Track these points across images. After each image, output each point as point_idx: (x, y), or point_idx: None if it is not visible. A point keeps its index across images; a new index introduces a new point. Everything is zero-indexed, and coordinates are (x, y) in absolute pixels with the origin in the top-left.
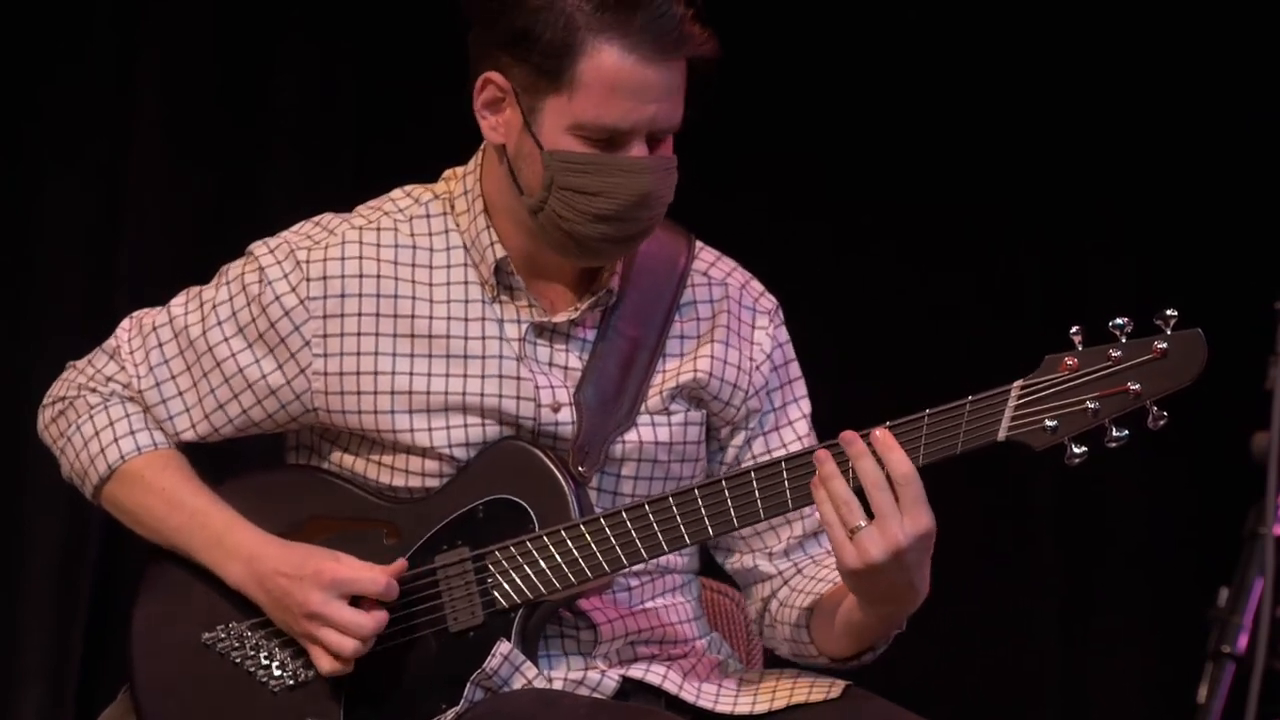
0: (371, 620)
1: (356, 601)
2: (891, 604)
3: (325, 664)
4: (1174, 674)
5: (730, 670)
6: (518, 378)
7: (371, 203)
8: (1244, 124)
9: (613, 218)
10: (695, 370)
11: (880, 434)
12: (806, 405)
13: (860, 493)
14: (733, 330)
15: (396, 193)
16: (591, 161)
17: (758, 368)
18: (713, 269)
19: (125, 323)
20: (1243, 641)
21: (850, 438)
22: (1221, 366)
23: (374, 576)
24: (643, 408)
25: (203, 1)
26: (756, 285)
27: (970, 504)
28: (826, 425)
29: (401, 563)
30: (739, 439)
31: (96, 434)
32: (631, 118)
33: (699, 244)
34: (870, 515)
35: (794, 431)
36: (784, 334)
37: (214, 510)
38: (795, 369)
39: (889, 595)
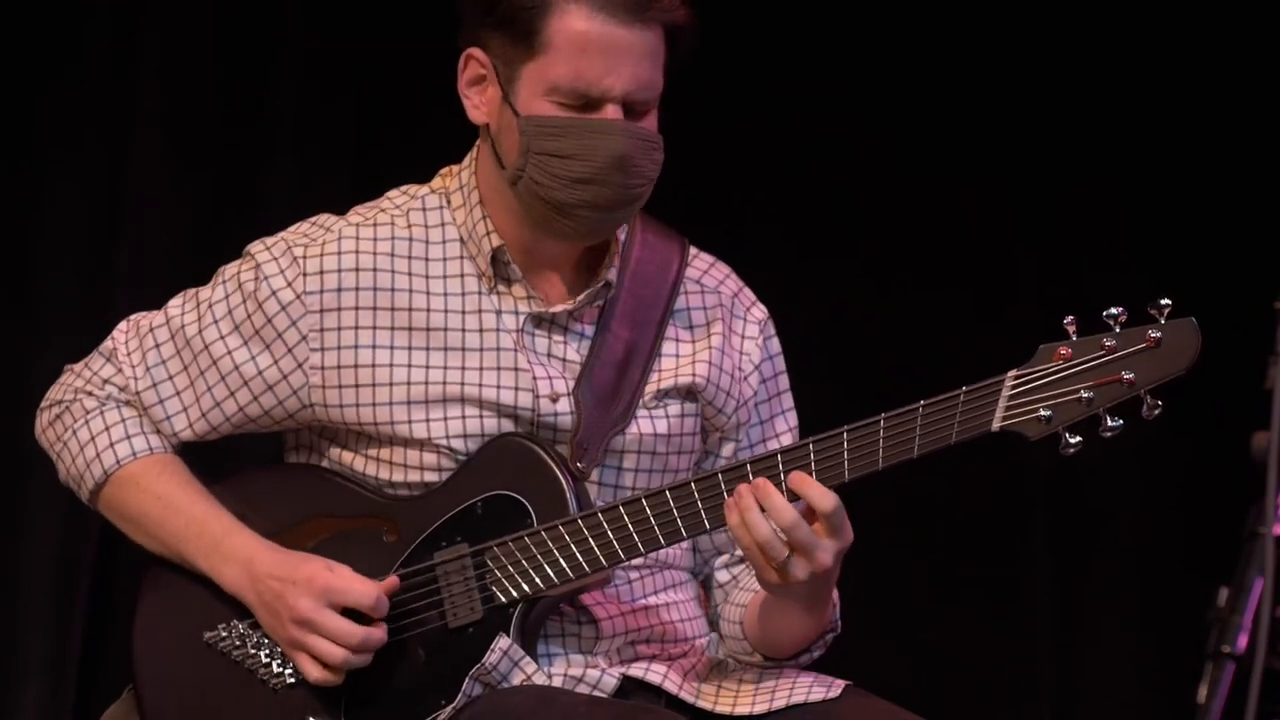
0: (361, 632)
1: (355, 616)
2: (808, 598)
3: (314, 672)
4: (1173, 674)
5: (730, 670)
6: (515, 368)
7: (368, 203)
8: (1244, 124)
9: (589, 180)
10: (694, 375)
11: (795, 475)
12: (793, 418)
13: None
14: (726, 339)
15: (392, 192)
16: (565, 124)
17: (746, 379)
18: (706, 276)
19: (122, 325)
20: (1243, 641)
21: (760, 483)
22: (1221, 366)
23: (365, 590)
24: (639, 404)
25: (203, 2)
26: (748, 295)
27: (966, 505)
28: (825, 419)
29: (393, 579)
30: (727, 449)
31: (93, 438)
32: (604, 79)
33: (693, 250)
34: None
35: (780, 445)
36: (775, 345)
37: (211, 516)
38: (784, 381)
39: (812, 597)
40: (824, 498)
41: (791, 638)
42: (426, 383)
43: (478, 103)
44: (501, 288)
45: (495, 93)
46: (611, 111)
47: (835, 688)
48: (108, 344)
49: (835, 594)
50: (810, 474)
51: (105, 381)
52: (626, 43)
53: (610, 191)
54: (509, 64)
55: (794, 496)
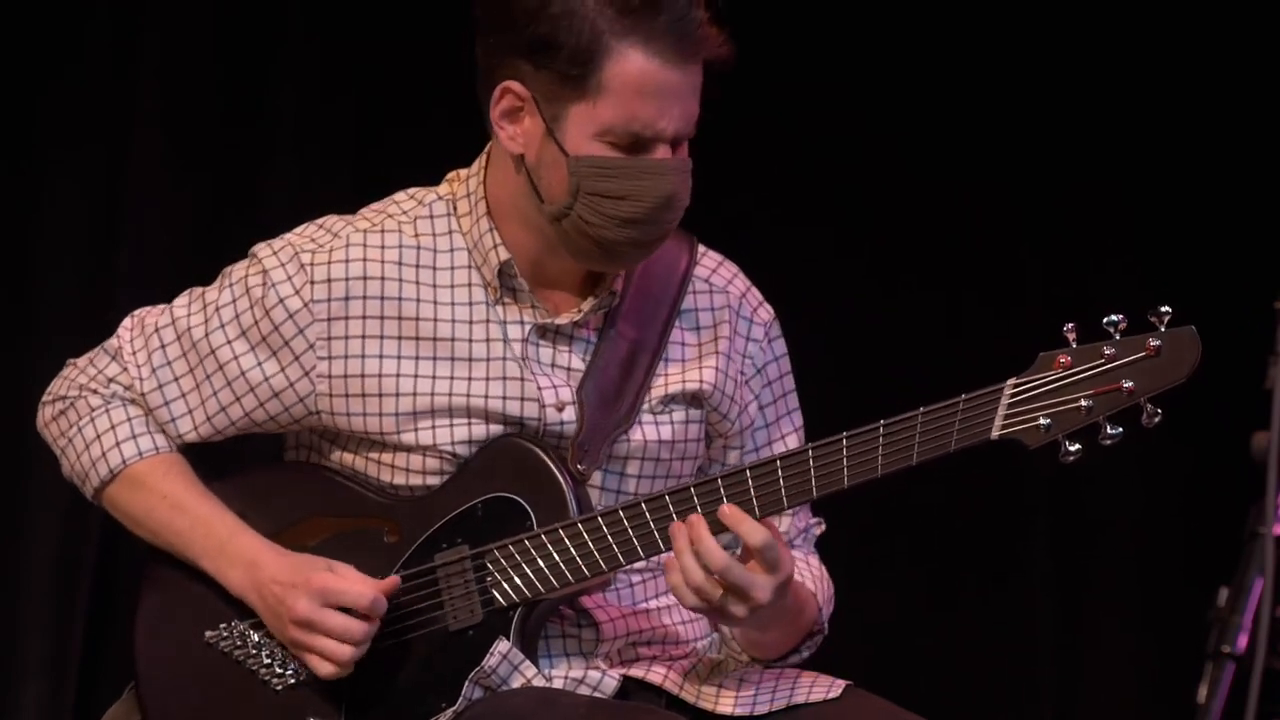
0: (362, 627)
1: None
2: (766, 628)
3: (324, 669)
4: (1173, 674)
5: (731, 670)
6: (521, 379)
7: (375, 205)
8: (1244, 124)
9: (640, 220)
10: (701, 381)
11: (728, 509)
12: (799, 419)
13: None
14: (731, 343)
15: (400, 195)
16: (618, 165)
17: (748, 383)
18: (714, 276)
19: (127, 322)
20: (1243, 641)
21: (694, 521)
22: (1221, 366)
23: (362, 590)
24: (644, 407)
25: (203, 2)
26: (755, 295)
27: (968, 511)
28: (830, 420)
29: (394, 579)
30: (733, 457)
31: (98, 437)
32: (658, 121)
33: (701, 248)
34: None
35: (785, 447)
36: (780, 347)
37: (217, 517)
38: (789, 383)
39: (763, 624)
40: (754, 532)
41: (767, 646)
42: (432, 393)
43: (513, 134)
44: (507, 299)
45: (535, 127)
46: (662, 152)
47: (836, 688)
48: (113, 341)
49: (822, 594)
50: (810, 479)
51: (110, 380)
52: (678, 84)
53: (657, 229)
54: (553, 101)
55: (725, 528)
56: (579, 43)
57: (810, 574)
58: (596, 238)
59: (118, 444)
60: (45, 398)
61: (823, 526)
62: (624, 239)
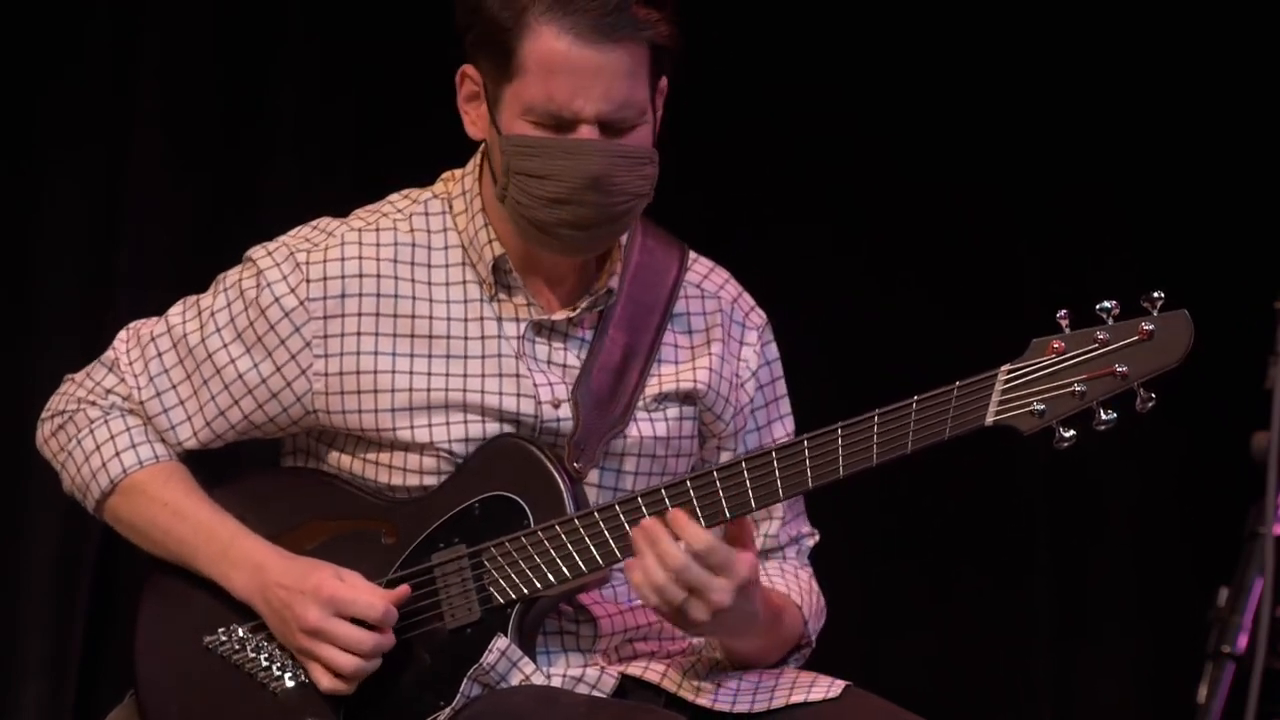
0: (371, 639)
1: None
2: (738, 636)
3: (325, 681)
4: (1173, 674)
5: (729, 668)
6: (517, 375)
7: (369, 206)
8: (1244, 124)
9: (564, 201)
10: (695, 381)
11: (673, 514)
12: (790, 424)
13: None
14: (725, 345)
15: (394, 196)
16: (539, 144)
17: (742, 385)
18: (706, 281)
19: (122, 334)
20: (1243, 641)
21: (649, 525)
22: (1221, 366)
23: (372, 601)
24: (638, 406)
25: (203, 2)
26: (747, 300)
27: (964, 504)
28: (829, 419)
29: (404, 589)
30: (725, 458)
31: (98, 448)
32: (573, 101)
33: (693, 255)
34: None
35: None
36: (773, 351)
37: (218, 522)
38: (781, 387)
39: (733, 632)
40: (697, 537)
41: (749, 659)
42: (428, 389)
43: (474, 118)
44: (502, 295)
45: (485, 110)
46: (586, 132)
47: (835, 688)
48: (109, 354)
49: (810, 607)
50: (805, 469)
51: (108, 391)
52: (595, 64)
53: (588, 211)
54: (495, 83)
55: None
56: (501, 16)
57: (799, 587)
58: (530, 218)
59: (117, 454)
60: (43, 414)
61: (816, 537)
62: (555, 220)
